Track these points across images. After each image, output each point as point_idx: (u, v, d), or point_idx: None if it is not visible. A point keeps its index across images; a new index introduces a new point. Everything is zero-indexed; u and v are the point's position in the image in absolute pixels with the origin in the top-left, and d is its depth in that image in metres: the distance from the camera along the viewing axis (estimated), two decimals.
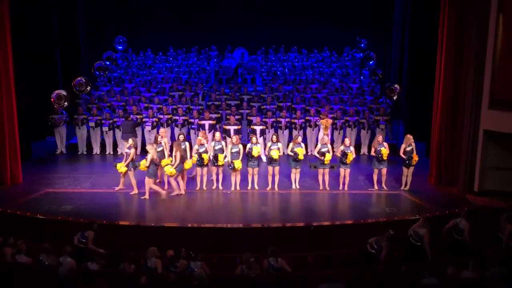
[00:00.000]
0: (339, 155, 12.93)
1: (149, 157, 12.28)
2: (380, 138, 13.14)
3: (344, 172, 13.00)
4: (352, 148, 12.95)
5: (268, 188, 13.12)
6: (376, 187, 13.14)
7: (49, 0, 17.70)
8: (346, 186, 13.09)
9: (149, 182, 12.38)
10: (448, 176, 13.59)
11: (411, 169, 12.99)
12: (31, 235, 10.30)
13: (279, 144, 13.07)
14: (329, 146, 13.06)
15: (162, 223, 11.37)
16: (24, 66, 15.13)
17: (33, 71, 16.34)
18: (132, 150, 12.59)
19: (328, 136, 14.69)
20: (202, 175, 13.05)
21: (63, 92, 16.40)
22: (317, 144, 13.68)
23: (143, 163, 12.39)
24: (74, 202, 12.30)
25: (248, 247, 9.02)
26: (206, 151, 12.86)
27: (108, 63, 20.56)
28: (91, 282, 7.68)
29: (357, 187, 13.33)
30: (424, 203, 12.37)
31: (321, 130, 15.19)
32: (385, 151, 12.76)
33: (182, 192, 12.72)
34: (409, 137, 12.99)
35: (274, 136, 13.16)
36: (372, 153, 13.06)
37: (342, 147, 13.00)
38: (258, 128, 15.22)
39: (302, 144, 13.16)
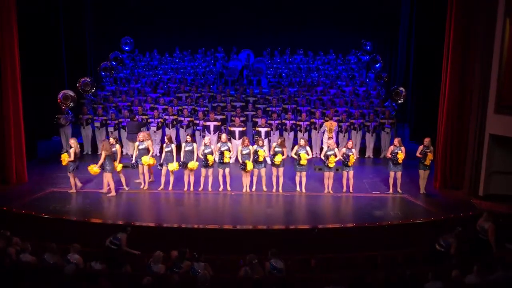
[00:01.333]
0: (341, 157, 12.89)
1: (72, 151, 12.57)
2: (397, 141, 13.02)
3: (347, 174, 12.98)
4: (354, 150, 12.91)
5: (273, 190, 13.11)
6: (391, 190, 13.08)
7: (56, 0, 17.79)
8: (350, 188, 13.06)
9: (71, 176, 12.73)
10: (453, 180, 13.54)
11: (427, 172, 12.97)
12: (35, 234, 10.34)
13: (284, 149, 13.04)
14: (336, 150, 12.95)
15: (165, 223, 11.36)
16: (30, 66, 15.18)
17: (39, 71, 16.42)
18: (117, 146, 12.90)
19: (332, 138, 14.69)
20: (207, 176, 13.05)
21: (70, 92, 16.45)
22: (322, 148, 13.64)
23: (145, 159, 12.90)
24: (78, 201, 12.36)
25: (252, 249, 9.02)
26: (211, 152, 12.88)
27: (114, 63, 20.65)
28: (94, 282, 7.70)
29: (362, 190, 13.29)
30: (428, 206, 12.34)
31: (326, 133, 15.19)
32: (401, 154, 12.74)
33: (113, 193, 12.78)
34: (427, 140, 12.93)
35: (279, 140, 13.15)
36: (388, 155, 13.01)
37: (344, 149, 12.98)
38: (262, 130, 15.21)
39: (308, 148, 13.10)
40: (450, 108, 13.28)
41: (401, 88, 17.43)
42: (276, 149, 12.88)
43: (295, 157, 12.88)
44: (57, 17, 17.83)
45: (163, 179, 13.12)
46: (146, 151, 13.12)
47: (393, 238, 10.92)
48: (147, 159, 12.96)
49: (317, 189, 13.26)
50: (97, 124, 16.44)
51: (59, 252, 8.77)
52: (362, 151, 16.52)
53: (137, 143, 13.20)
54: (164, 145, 13.11)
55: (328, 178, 13.00)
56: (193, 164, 12.85)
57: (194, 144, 13.09)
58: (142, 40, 22.41)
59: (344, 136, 16.21)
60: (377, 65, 20.79)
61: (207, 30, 22.27)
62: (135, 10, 21.79)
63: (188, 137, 13.16)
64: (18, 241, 8.98)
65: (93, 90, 17.85)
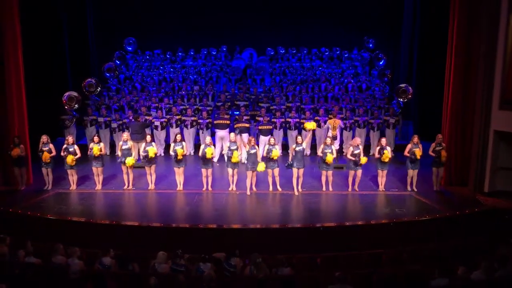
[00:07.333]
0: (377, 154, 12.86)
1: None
2: (416, 139, 12.89)
3: (382, 173, 12.93)
4: (389, 148, 12.86)
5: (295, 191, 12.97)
6: (409, 188, 13.06)
7: (59, 2, 17.84)
8: (382, 186, 13.02)
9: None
10: (458, 177, 13.51)
11: (441, 169, 12.96)
12: (41, 236, 10.37)
13: (276, 147, 12.90)
14: (361, 147, 12.93)
15: (170, 223, 11.33)
16: (34, 68, 15.21)
17: (43, 73, 16.47)
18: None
19: (337, 136, 14.65)
20: (207, 176, 13.04)
21: (75, 94, 16.51)
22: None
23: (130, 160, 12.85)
24: (84, 202, 12.38)
25: (258, 248, 9.03)
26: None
27: (118, 62, 20.70)
28: (101, 283, 7.71)
29: (367, 188, 13.27)
30: (434, 204, 12.30)
31: (330, 131, 15.15)
32: (418, 151, 12.67)
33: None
34: (440, 136, 12.92)
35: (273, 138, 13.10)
36: (406, 153, 12.92)
37: (378, 148, 12.91)
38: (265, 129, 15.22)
39: (333, 147, 12.99)
40: (454, 105, 13.25)
41: (409, 86, 17.30)
42: (272, 147, 12.68)
43: (321, 155, 12.74)
44: (59, 19, 17.86)
45: (178, 179, 13.12)
46: (130, 151, 13.08)
47: (398, 236, 10.89)
48: (130, 160, 12.92)
49: (340, 188, 13.22)
50: (100, 119, 16.46)
51: (65, 253, 8.78)
52: (367, 148, 16.46)
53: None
54: (173, 144, 13.05)
55: (355, 176, 12.92)
56: (131, 161, 12.85)
57: (184, 143, 13.10)
58: (144, 40, 22.41)
59: (348, 133, 16.20)
60: (380, 62, 20.74)
61: (210, 29, 22.23)
62: (137, 10, 21.77)
63: (178, 136, 13.13)
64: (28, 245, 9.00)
65: (97, 91, 17.89)
